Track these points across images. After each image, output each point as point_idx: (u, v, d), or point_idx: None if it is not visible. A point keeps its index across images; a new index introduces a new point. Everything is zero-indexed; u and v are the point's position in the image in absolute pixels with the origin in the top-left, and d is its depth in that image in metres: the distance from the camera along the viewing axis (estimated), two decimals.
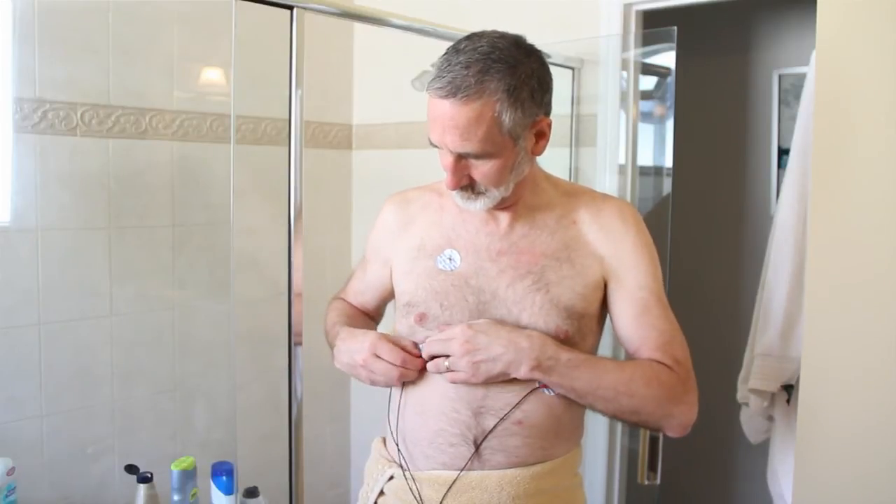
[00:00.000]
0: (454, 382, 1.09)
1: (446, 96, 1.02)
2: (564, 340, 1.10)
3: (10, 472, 1.66)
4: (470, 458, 1.11)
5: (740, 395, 1.89)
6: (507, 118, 1.03)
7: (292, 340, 1.52)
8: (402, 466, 1.18)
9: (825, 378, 1.37)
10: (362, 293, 1.38)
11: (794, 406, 1.74)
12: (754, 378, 1.80)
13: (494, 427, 1.10)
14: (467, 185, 1.10)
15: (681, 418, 1.10)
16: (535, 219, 1.17)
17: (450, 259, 1.17)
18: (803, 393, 1.41)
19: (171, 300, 2.16)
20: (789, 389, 1.77)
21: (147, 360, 2.11)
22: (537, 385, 1.10)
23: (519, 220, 1.17)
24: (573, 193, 1.21)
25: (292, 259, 1.50)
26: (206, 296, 2.21)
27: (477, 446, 1.11)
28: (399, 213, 1.28)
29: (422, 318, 1.16)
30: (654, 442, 1.89)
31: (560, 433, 1.15)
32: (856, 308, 1.32)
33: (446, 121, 1.04)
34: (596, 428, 2.14)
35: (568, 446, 1.18)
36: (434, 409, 1.14)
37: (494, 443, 1.10)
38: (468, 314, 1.13)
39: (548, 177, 1.23)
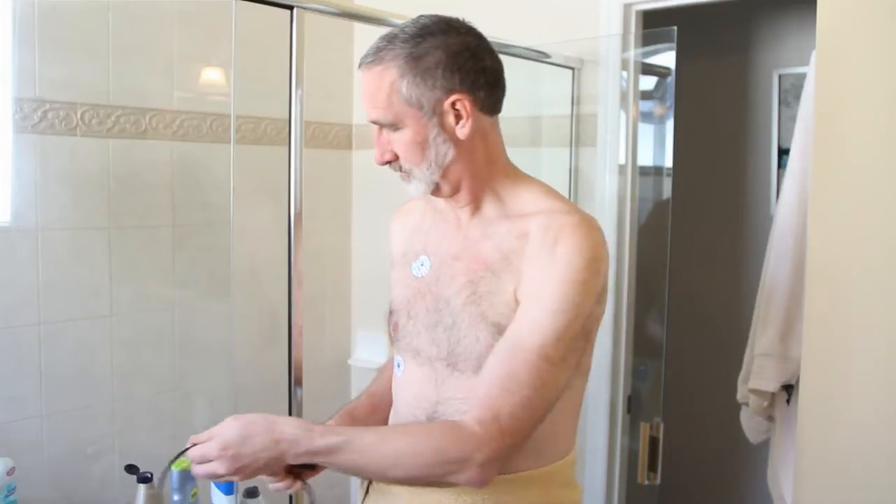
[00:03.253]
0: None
1: (360, 65, 1.07)
2: None
3: (10, 472, 1.66)
4: None
5: (740, 395, 1.89)
6: (405, 84, 1.03)
7: (292, 340, 1.52)
8: None
9: (825, 378, 1.37)
10: None
11: (794, 406, 1.74)
12: (754, 378, 1.80)
13: None
14: (395, 164, 1.10)
15: (468, 477, 0.98)
16: (491, 225, 1.11)
17: (422, 265, 1.16)
18: (803, 393, 1.41)
19: (171, 300, 2.16)
20: (789, 389, 1.77)
21: (147, 360, 2.11)
22: None
23: (476, 223, 1.12)
24: (545, 205, 1.09)
25: (292, 259, 1.50)
26: (206, 296, 2.21)
27: None
28: (397, 226, 1.28)
29: (395, 328, 1.17)
30: (654, 442, 1.90)
31: (523, 446, 1.06)
32: (856, 308, 1.32)
33: (361, 89, 1.08)
34: (596, 428, 2.14)
35: (537, 460, 1.09)
36: (402, 412, 1.16)
37: None
38: (427, 323, 1.11)
39: (525, 182, 1.15)
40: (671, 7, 2.02)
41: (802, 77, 2.08)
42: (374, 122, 1.08)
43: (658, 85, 2.13)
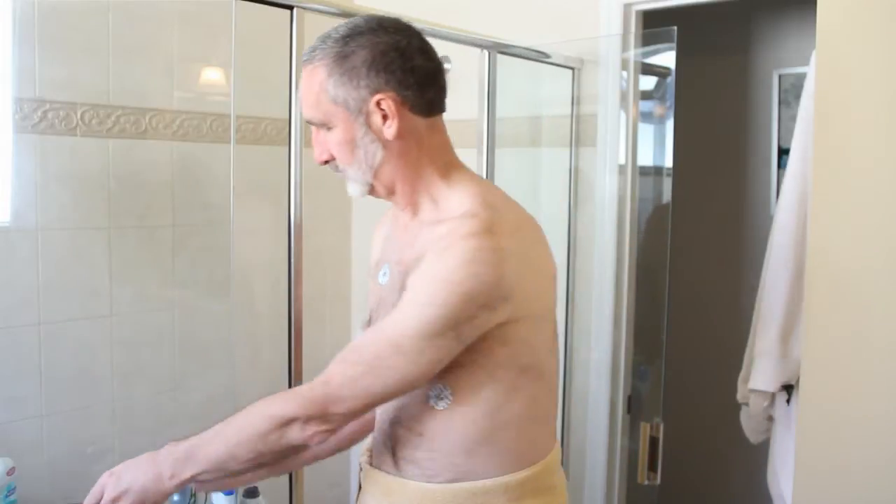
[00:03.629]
0: None
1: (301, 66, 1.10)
2: None
3: (10, 472, 1.66)
4: (392, 465, 1.12)
5: (740, 395, 1.89)
6: (332, 84, 1.04)
7: (292, 340, 1.52)
8: (368, 460, 1.20)
9: (825, 378, 1.37)
10: None
11: (794, 406, 1.74)
12: (754, 378, 1.80)
13: (402, 438, 1.11)
14: (332, 164, 1.11)
15: (293, 436, 1.02)
16: (424, 229, 1.09)
17: (384, 273, 1.16)
18: (803, 393, 1.41)
19: (171, 300, 2.16)
20: (789, 389, 1.77)
21: (147, 360, 2.11)
22: (427, 399, 1.07)
23: (414, 229, 1.11)
24: (462, 209, 1.05)
25: (292, 259, 1.50)
26: (206, 296, 2.21)
27: (394, 455, 1.12)
28: (376, 236, 1.29)
29: None
30: (654, 442, 1.90)
31: (475, 453, 1.07)
32: (856, 308, 1.32)
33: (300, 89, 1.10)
34: (596, 428, 2.14)
35: (502, 467, 1.08)
36: (376, 417, 1.18)
37: (405, 453, 1.10)
38: None
39: (462, 184, 1.10)
40: (671, 7, 2.02)
41: (802, 77, 2.08)
42: (308, 122, 1.10)
43: (658, 85, 2.13)
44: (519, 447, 1.10)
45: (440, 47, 1.07)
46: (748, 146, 2.89)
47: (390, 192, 1.12)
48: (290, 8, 1.46)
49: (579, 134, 2.16)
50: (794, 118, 1.87)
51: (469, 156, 2.15)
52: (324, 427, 1.02)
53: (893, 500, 1.28)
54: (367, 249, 1.33)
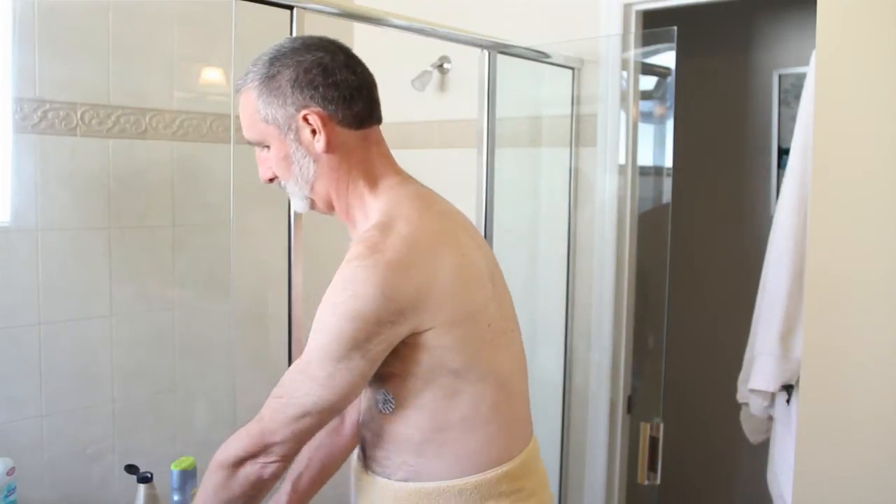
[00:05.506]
0: None
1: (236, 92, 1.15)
2: None
3: (10, 472, 1.66)
4: (362, 462, 1.19)
5: (740, 395, 1.89)
6: (262, 105, 1.10)
7: (292, 340, 1.52)
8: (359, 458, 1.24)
9: (825, 378, 1.37)
10: None
11: (794, 406, 1.74)
12: (754, 378, 1.80)
13: (365, 437, 1.17)
14: (277, 181, 1.16)
15: (247, 472, 1.08)
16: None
17: None
18: (803, 393, 1.41)
19: (171, 300, 2.16)
20: (789, 389, 1.77)
21: (147, 360, 2.12)
22: (376, 403, 1.12)
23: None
24: (367, 226, 1.09)
25: (292, 259, 1.50)
26: (206, 296, 2.21)
27: (364, 452, 1.18)
28: None
29: None
30: (654, 442, 1.90)
31: (423, 454, 1.10)
32: (856, 308, 1.32)
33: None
34: (596, 428, 2.14)
35: (458, 469, 1.09)
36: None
37: (369, 452, 1.16)
38: None
39: (388, 199, 1.11)
40: (671, 7, 2.02)
41: (802, 77, 2.08)
42: (249, 143, 1.16)
43: (658, 85, 2.13)
44: (468, 449, 1.10)
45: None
46: (748, 146, 2.89)
47: (328, 207, 1.16)
48: (290, 8, 1.46)
49: (579, 134, 2.16)
50: (794, 118, 1.87)
51: (469, 156, 2.15)
52: (271, 459, 1.07)
53: (893, 500, 1.28)
54: None
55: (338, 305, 1.00)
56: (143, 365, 2.11)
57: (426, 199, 1.13)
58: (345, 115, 1.10)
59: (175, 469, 1.74)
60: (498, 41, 1.96)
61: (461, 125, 2.33)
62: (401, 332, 1.02)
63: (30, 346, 1.89)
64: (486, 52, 1.96)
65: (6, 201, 1.86)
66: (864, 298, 1.31)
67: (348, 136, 1.11)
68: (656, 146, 2.13)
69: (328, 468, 1.35)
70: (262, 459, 1.07)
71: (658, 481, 1.91)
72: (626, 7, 2.04)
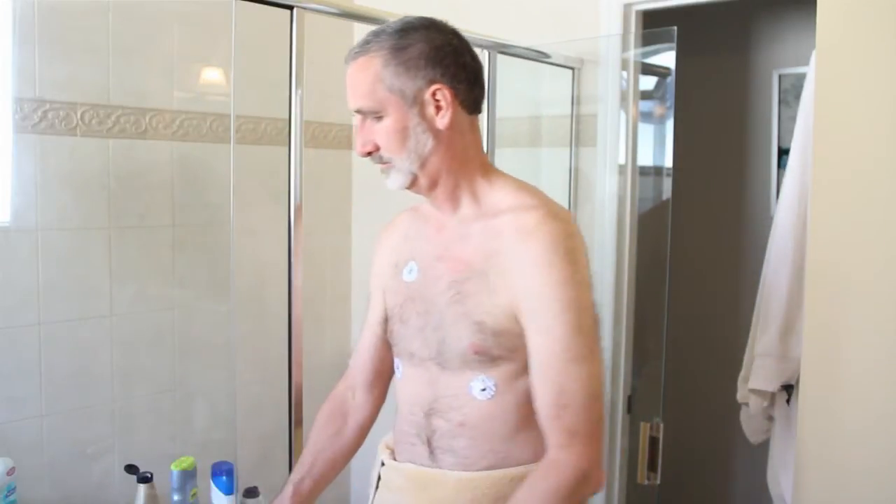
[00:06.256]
0: None
1: (346, 59, 1.13)
2: (477, 354, 1.09)
3: (10, 472, 1.66)
4: (427, 457, 1.16)
5: (740, 395, 1.89)
6: (388, 73, 1.08)
7: (292, 340, 1.52)
8: (392, 455, 1.24)
9: (825, 378, 1.37)
10: (375, 325, 1.33)
11: (794, 406, 1.74)
12: (754, 378, 1.80)
13: (441, 428, 1.14)
14: (376, 155, 1.12)
15: (593, 490, 1.08)
16: (468, 225, 1.13)
17: (410, 271, 1.19)
18: (803, 393, 1.41)
19: (171, 300, 2.16)
20: (789, 389, 1.77)
21: (147, 360, 2.11)
22: (469, 388, 1.11)
23: (456, 223, 1.15)
24: (514, 201, 1.11)
25: (292, 259, 1.50)
26: (206, 296, 2.21)
27: (430, 446, 1.15)
28: (384, 240, 1.30)
29: (391, 334, 1.22)
30: (653, 442, 1.90)
31: (513, 438, 1.11)
32: (856, 308, 1.32)
33: (346, 81, 1.12)
34: None
35: (537, 453, 1.10)
36: (403, 410, 1.21)
37: (443, 443, 1.14)
38: (417, 325, 1.16)
39: (500, 179, 1.16)
40: (671, 7, 2.02)
41: (802, 77, 2.08)
42: (358, 111, 1.12)
43: (658, 85, 2.13)
44: None
45: None
46: (748, 146, 2.89)
47: (432, 186, 1.14)
48: (290, 8, 1.46)
49: (579, 134, 2.16)
50: (794, 118, 1.87)
51: None
52: (601, 462, 1.08)
53: (893, 501, 1.28)
54: (371, 247, 1.33)
55: (573, 277, 1.03)
56: (143, 365, 2.11)
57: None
58: (466, 98, 1.12)
59: (175, 469, 1.74)
60: (498, 41, 1.96)
61: None
62: (593, 301, 1.08)
63: (30, 346, 1.89)
64: (486, 52, 1.96)
65: (6, 201, 1.86)
66: (864, 298, 1.31)
67: (463, 118, 1.12)
68: (656, 146, 2.13)
69: (331, 471, 1.34)
70: (599, 468, 1.06)
71: (658, 481, 1.90)
72: (626, 7, 2.04)
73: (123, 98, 2.01)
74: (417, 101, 1.08)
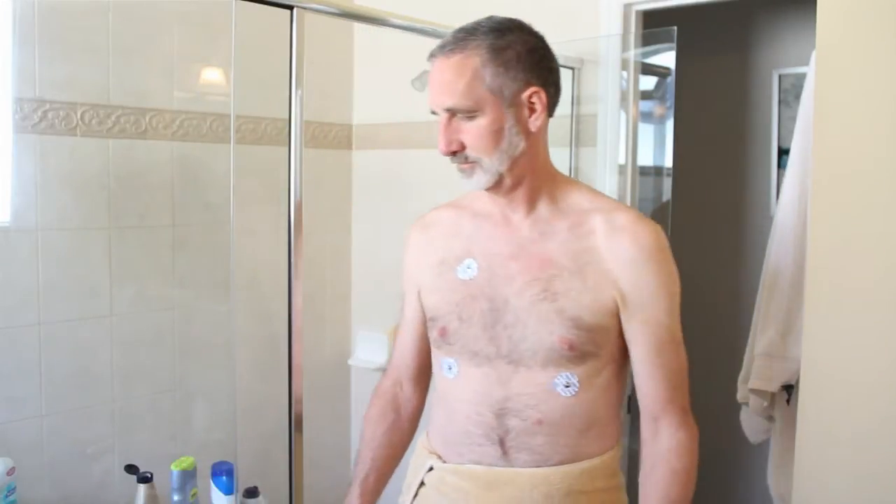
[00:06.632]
0: None
1: (435, 55, 1.10)
2: (571, 350, 1.10)
3: (10, 472, 1.66)
4: (498, 457, 1.15)
5: (740, 395, 1.89)
6: (488, 72, 1.06)
7: (292, 340, 1.52)
8: (440, 458, 1.22)
9: (825, 378, 1.37)
10: (415, 322, 1.32)
11: (794, 406, 1.74)
12: (754, 378, 1.80)
13: (517, 427, 1.13)
14: (461, 155, 1.10)
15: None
16: (549, 223, 1.14)
17: (468, 268, 1.17)
18: (803, 393, 1.41)
19: (171, 300, 2.16)
20: (789, 389, 1.77)
21: (147, 360, 2.11)
22: (553, 385, 1.11)
23: (531, 223, 1.15)
24: (596, 203, 1.16)
25: (292, 259, 1.50)
26: (206, 296, 2.21)
27: (503, 445, 1.14)
28: (421, 237, 1.28)
29: (443, 333, 1.19)
30: None
31: (586, 432, 1.14)
32: (856, 308, 1.32)
33: (434, 78, 1.10)
34: None
35: (601, 446, 1.17)
36: (460, 412, 1.18)
37: (518, 442, 1.13)
38: (483, 324, 1.14)
39: (571, 182, 1.21)
40: (671, 7, 2.02)
41: (802, 77, 2.08)
42: (450, 110, 1.09)
43: (658, 85, 2.13)
44: (616, 426, 1.21)
45: None
46: (748, 146, 2.88)
47: (515, 187, 1.14)
48: (290, 8, 1.46)
49: (579, 134, 2.16)
50: (794, 118, 1.87)
51: None
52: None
53: (893, 500, 1.28)
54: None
55: (672, 271, 1.13)
56: (143, 365, 2.11)
57: None
58: (552, 101, 1.14)
59: (175, 469, 1.74)
60: None
61: None
62: None
63: (30, 346, 1.89)
64: None
65: (6, 201, 1.86)
66: (863, 298, 1.31)
67: (545, 121, 1.14)
68: (656, 146, 2.13)
69: (391, 464, 1.34)
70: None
71: None
72: (626, 7, 2.04)
73: (123, 98, 2.01)
74: (515, 103, 1.08)
